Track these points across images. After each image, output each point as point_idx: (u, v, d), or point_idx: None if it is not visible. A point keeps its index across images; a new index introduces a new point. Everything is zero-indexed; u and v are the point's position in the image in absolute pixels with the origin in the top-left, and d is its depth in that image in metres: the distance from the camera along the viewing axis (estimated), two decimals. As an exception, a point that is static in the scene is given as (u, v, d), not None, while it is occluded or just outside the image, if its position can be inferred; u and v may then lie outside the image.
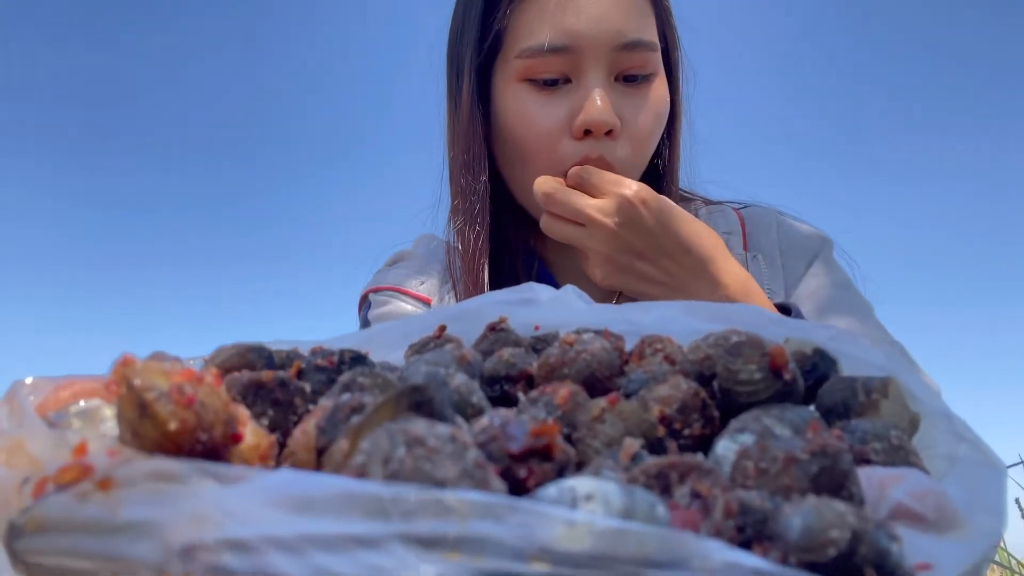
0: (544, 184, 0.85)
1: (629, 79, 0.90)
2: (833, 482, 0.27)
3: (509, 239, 0.99)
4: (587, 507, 0.22)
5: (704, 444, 0.33)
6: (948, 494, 0.28)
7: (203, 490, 0.20)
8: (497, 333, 0.42)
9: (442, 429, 0.23)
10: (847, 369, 0.39)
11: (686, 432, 0.34)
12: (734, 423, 0.33)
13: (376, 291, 1.01)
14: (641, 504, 0.22)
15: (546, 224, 0.86)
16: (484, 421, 0.26)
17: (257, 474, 0.21)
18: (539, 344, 0.43)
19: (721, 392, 0.35)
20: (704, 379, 0.36)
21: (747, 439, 0.31)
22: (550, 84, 0.89)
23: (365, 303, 1.03)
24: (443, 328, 0.43)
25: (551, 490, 0.22)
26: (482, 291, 0.93)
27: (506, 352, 0.38)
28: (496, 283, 0.96)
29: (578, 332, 0.39)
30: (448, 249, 1.01)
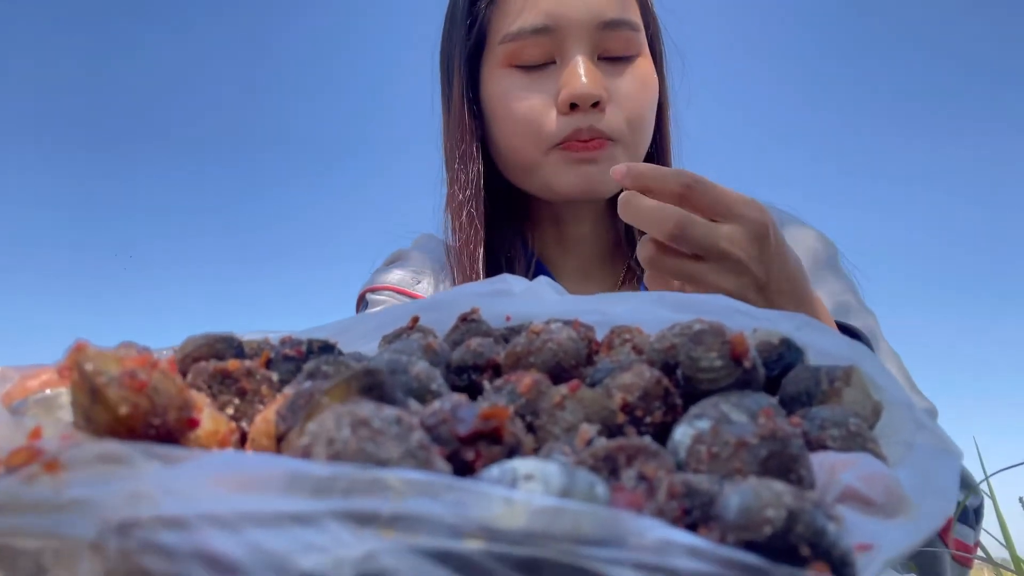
0: (668, 220, 0.65)
1: (613, 60, 0.91)
2: (782, 466, 0.28)
3: (506, 237, 1.00)
4: (526, 486, 0.22)
5: (666, 432, 0.34)
6: (898, 479, 0.29)
7: (146, 470, 0.21)
8: (468, 323, 0.42)
9: (388, 411, 0.23)
10: (814, 359, 0.40)
11: (647, 420, 0.34)
12: (693, 409, 0.33)
13: (374, 290, 1.02)
14: (580, 484, 0.23)
15: (652, 257, 0.68)
16: (436, 405, 0.26)
17: (202, 455, 0.22)
18: (509, 335, 0.43)
19: (684, 379, 0.36)
20: (669, 368, 0.37)
21: (703, 425, 0.32)
22: (535, 68, 0.90)
23: (363, 302, 1.04)
24: (416, 319, 0.43)
25: (493, 471, 0.23)
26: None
27: (474, 342, 0.39)
28: (487, 272, 0.96)
29: (548, 322, 0.40)
30: (446, 248, 1.01)
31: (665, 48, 1.01)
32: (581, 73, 0.86)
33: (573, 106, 0.87)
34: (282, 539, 0.19)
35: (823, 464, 0.30)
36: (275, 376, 0.35)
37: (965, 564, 0.80)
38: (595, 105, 0.87)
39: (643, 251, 0.69)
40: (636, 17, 0.93)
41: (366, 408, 0.23)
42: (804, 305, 0.72)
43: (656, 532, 0.21)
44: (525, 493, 0.21)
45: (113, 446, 0.22)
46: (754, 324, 0.40)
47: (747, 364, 0.34)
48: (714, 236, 0.66)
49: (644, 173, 0.67)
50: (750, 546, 0.23)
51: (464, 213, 0.95)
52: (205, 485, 0.20)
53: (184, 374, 0.35)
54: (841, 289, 0.96)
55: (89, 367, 0.24)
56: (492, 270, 0.97)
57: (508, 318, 0.43)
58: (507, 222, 1.00)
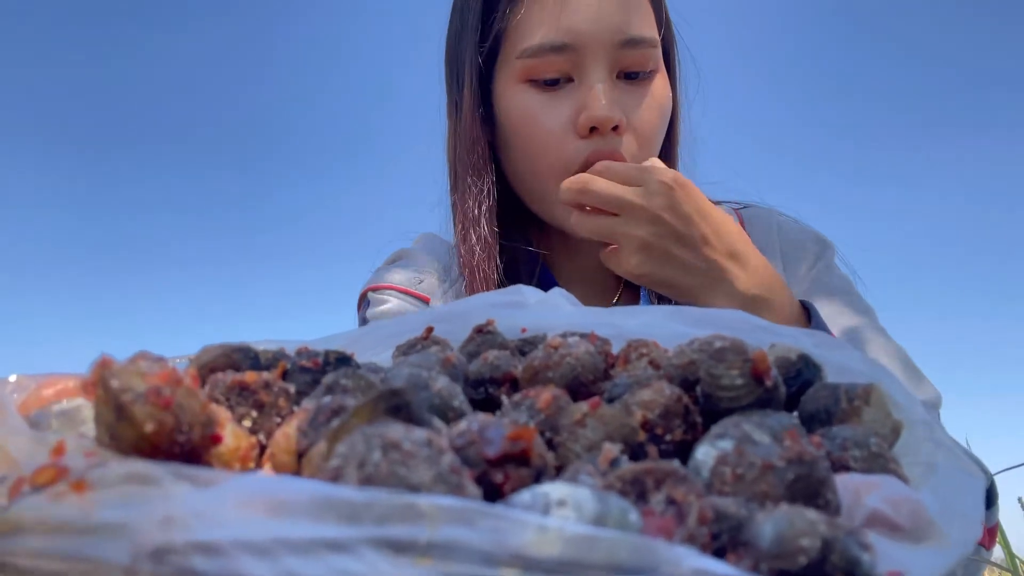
0: (574, 182, 0.80)
1: (631, 76, 0.90)
2: (809, 489, 0.28)
3: (514, 241, 0.99)
4: (559, 513, 0.22)
5: (686, 449, 0.34)
6: (923, 502, 0.28)
7: (176, 493, 0.21)
8: (484, 335, 0.42)
9: (418, 433, 0.23)
10: (832, 376, 0.39)
11: (668, 437, 0.34)
12: (714, 428, 0.33)
13: (375, 289, 1.01)
14: (614, 510, 0.22)
15: (577, 220, 0.81)
16: (462, 425, 0.26)
17: (231, 477, 0.21)
18: (525, 347, 0.43)
19: (703, 397, 0.35)
20: (688, 384, 0.37)
21: (726, 445, 0.31)
22: (552, 84, 0.89)
23: (364, 301, 1.04)
24: (430, 329, 0.43)
25: (525, 496, 0.23)
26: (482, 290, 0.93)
27: (491, 355, 0.38)
28: (503, 286, 0.95)
29: (564, 335, 0.39)
30: (449, 250, 1.01)
31: (680, 56, 1.01)
32: (601, 97, 0.86)
33: (592, 129, 0.87)
34: (317, 566, 0.19)
35: (847, 486, 0.29)
36: (292, 388, 0.35)
37: (987, 547, 0.80)
38: (614, 129, 0.87)
39: (571, 221, 0.81)
40: (654, 33, 0.92)
41: (396, 430, 0.23)
42: (739, 261, 0.79)
43: (691, 561, 0.21)
44: (559, 520, 0.21)
45: (141, 466, 0.22)
46: (772, 339, 0.40)
47: (768, 383, 0.34)
48: (618, 190, 0.78)
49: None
50: (784, 575, 0.22)
51: (481, 225, 0.94)
52: (237, 509, 0.20)
53: (201, 384, 0.35)
54: (833, 287, 0.96)
55: (115, 383, 0.23)
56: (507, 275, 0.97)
57: (524, 330, 0.43)
58: (514, 226, 1.00)
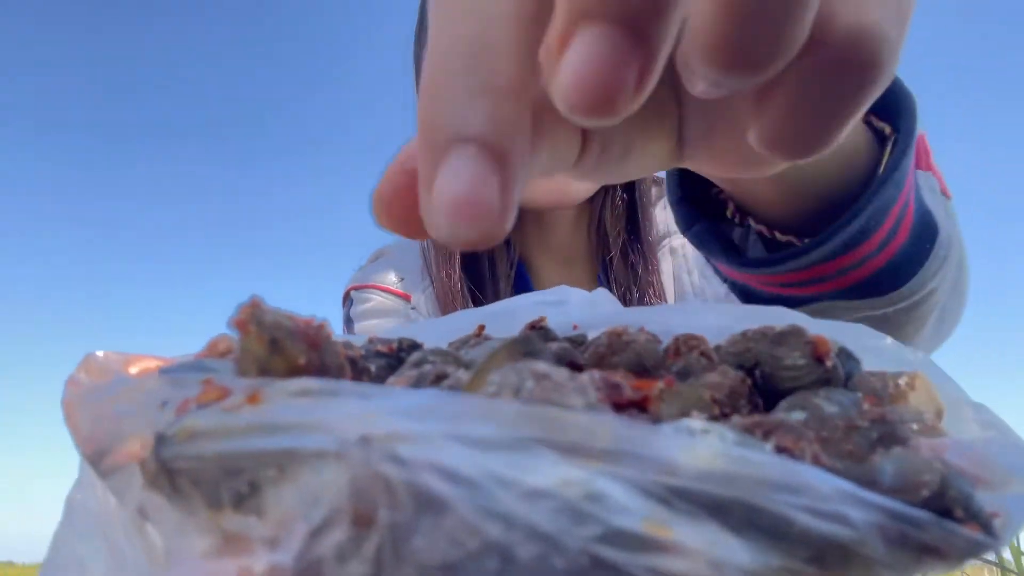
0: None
1: None
2: (893, 445, 0.29)
3: None
4: (705, 438, 0.23)
5: (752, 427, 0.35)
6: (997, 456, 0.30)
7: (356, 400, 0.21)
8: (537, 331, 0.43)
9: (561, 370, 0.24)
10: (874, 366, 0.41)
11: (734, 416, 0.35)
12: (783, 404, 0.34)
13: (357, 288, 1.04)
14: (752, 440, 0.24)
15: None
16: (584, 376, 0.27)
17: (399, 391, 0.22)
18: (573, 344, 0.44)
19: (763, 378, 0.37)
20: (744, 371, 0.38)
21: (800, 415, 0.33)
22: None
23: (348, 299, 1.07)
24: (482, 327, 0.44)
25: (666, 426, 0.24)
26: (456, 288, 0.96)
27: (553, 344, 0.40)
28: (473, 280, 0.98)
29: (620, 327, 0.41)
30: (422, 247, 1.04)
31: None
32: None
33: None
34: (504, 461, 0.20)
35: (922, 447, 0.31)
36: (373, 367, 0.35)
37: None
38: None
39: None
40: None
41: (543, 364, 0.24)
42: None
43: (832, 483, 0.23)
44: (714, 440, 0.23)
45: (308, 382, 0.23)
46: (812, 331, 0.42)
47: (828, 363, 0.36)
48: None
49: None
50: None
51: None
52: (419, 413, 0.21)
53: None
54: None
55: (269, 319, 0.24)
56: (473, 269, 0.99)
57: (575, 327, 0.45)
58: None
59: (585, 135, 0.34)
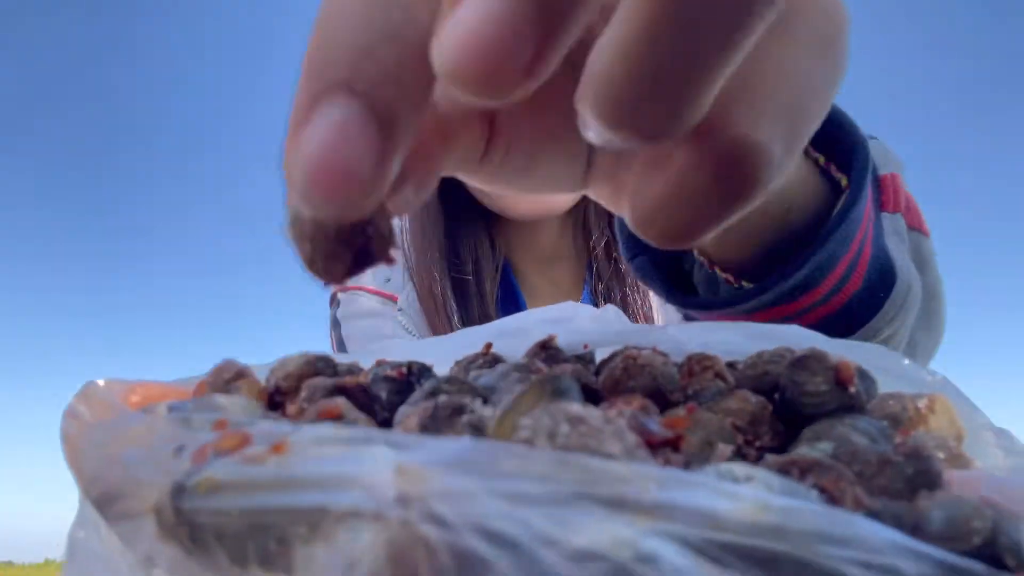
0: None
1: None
2: (929, 483, 0.29)
3: (474, 237, 1.03)
4: (750, 486, 0.22)
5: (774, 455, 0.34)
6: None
7: (386, 451, 0.20)
8: (548, 351, 0.42)
9: (595, 411, 0.23)
10: (891, 387, 0.41)
11: (757, 444, 0.35)
12: (807, 432, 0.34)
13: (344, 290, 1.05)
14: (798, 488, 0.23)
15: None
16: (613, 411, 0.26)
17: (429, 441, 0.21)
18: (582, 363, 0.43)
19: (783, 404, 0.36)
20: (763, 394, 0.37)
21: (826, 447, 0.32)
22: None
23: (335, 301, 1.08)
24: (489, 345, 0.43)
25: (709, 470, 0.23)
26: (437, 288, 0.96)
27: (567, 368, 0.39)
28: (457, 284, 0.99)
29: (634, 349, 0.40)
30: (403, 246, 1.05)
31: None
32: None
33: None
34: (546, 518, 0.19)
35: (955, 481, 0.30)
36: (383, 395, 0.34)
37: None
38: None
39: None
40: None
41: (575, 407, 0.23)
42: None
43: (883, 534, 0.22)
44: (759, 491, 0.22)
45: (336, 430, 0.21)
46: (830, 351, 0.41)
47: (852, 389, 0.35)
48: None
49: None
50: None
51: (418, 218, 0.97)
52: (456, 466, 0.20)
53: (292, 392, 0.34)
54: None
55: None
56: (457, 269, 0.99)
57: (586, 346, 0.44)
58: (474, 223, 1.03)
59: (491, 135, 0.33)
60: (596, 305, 0.99)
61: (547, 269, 1.06)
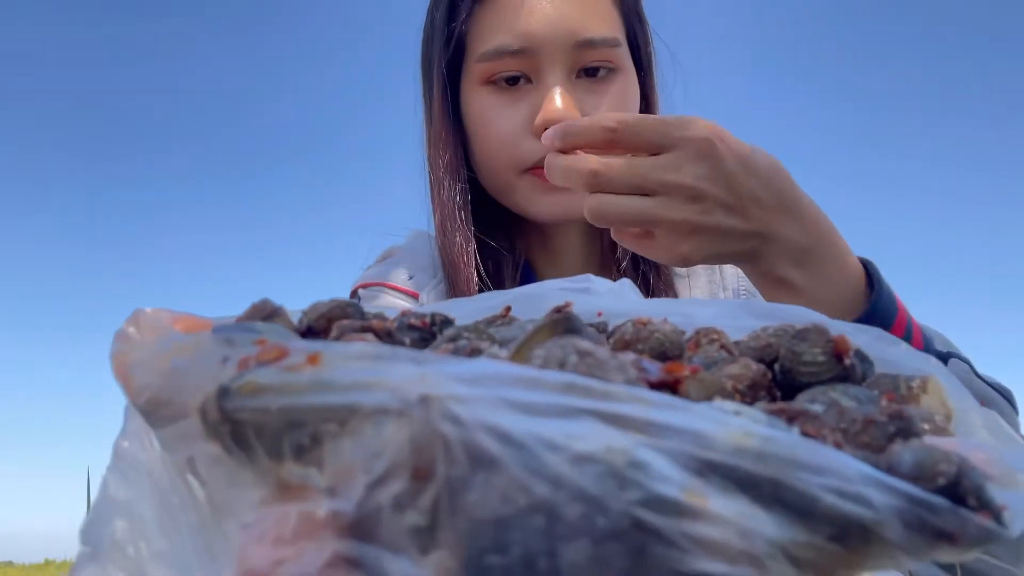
0: (578, 163, 0.65)
1: (590, 73, 0.93)
2: (908, 438, 0.31)
3: (495, 238, 1.02)
4: (739, 418, 0.24)
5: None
6: (1004, 456, 0.32)
7: (412, 364, 0.23)
8: (562, 316, 0.44)
9: (602, 348, 0.26)
10: (887, 370, 0.43)
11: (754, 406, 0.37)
12: (802, 396, 0.36)
13: (366, 286, 1.04)
14: (780, 423, 0.25)
15: (595, 208, 0.65)
16: (619, 356, 0.29)
17: (452, 359, 0.24)
18: (596, 330, 0.45)
19: (782, 372, 0.38)
20: (764, 365, 0.39)
21: (818, 408, 0.34)
22: (511, 83, 0.93)
23: (355, 297, 1.06)
24: (508, 308, 0.45)
25: (703, 404, 0.25)
26: (472, 291, 0.96)
27: (580, 329, 0.41)
28: (481, 284, 0.98)
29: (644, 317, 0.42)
30: (435, 246, 1.03)
31: (657, 55, 1.05)
32: (556, 97, 0.89)
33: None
34: (552, 426, 0.21)
35: (934, 443, 0.32)
36: (407, 340, 0.37)
37: None
38: None
39: (585, 208, 0.66)
40: (615, 32, 0.95)
41: (585, 342, 0.25)
42: (791, 214, 0.67)
43: (856, 466, 0.24)
44: (747, 421, 0.24)
45: (367, 346, 0.24)
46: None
47: (847, 362, 0.37)
48: (647, 167, 0.63)
49: (568, 131, 0.67)
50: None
51: (456, 221, 0.99)
52: (473, 379, 0.22)
53: (323, 332, 0.37)
54: None
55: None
56: (481, 270, 0.99)
57: (599, 314, 0.46)
58: (495, 226, 1.03)
59: None
60: None
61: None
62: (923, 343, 0.73)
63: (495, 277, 1.00)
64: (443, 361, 0.23)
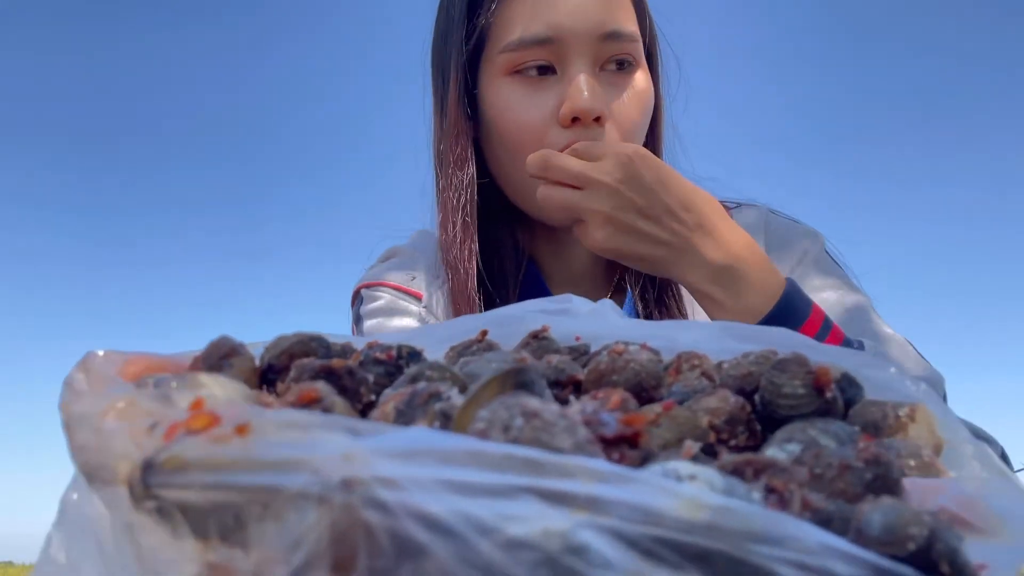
0: (537, 156, 0.83)
1: (615, 64, 0.93)
2: (886, 489, 0.29)
3: (499, 238, 1.01)
4: (692, 485, 0.23)
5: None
6: (988, 503, 0.30)
7: (342, 438, 0.21)
8: (540, 340, 0.43)
9: (551, 406, 0.24)
10: (875, 395, 0.41)
11: (732, 443, 0.35)
12: (780, 433, 0.34)
13: (368, 286, 1.03)
14: (739, 488, 0.24)
15: (543, 194, 0.83)
16: (576, 407, 0.27)
17: (388, 429, 0.22)
18: (575, 354, 0.44)
19: (762, 405, 0.37)
20: (745, 394, 0.38)
21: (794, 448, 0.33)
22: (539, 72, 0.92)
23: (358, 298, 1.06)
24: (485, 332, 0.44)
25: (656, 469, 0.24)
26: (471, 288, 0.96)
27: (554, 358, 0.40)
28: (485, 282, 0.97)
29: (624, 344, 0.41)
30: (439, 245, 1.03)
31: (662, 53, 1.05)
32: (584, 88, 0.89)
33: (574, 119, 0.89)
34: (486, 508, 0.20)
35: (915, 488, 0.31)
36: (370, 377, 0.36)
37: None
38: (596, 120, 0.89)
39: (537, 193, 0.83)
40: (635, 27, 0.95)
41: (533, 401, 0.24)
42: (709, 232, 0.79)
43: (817, 536, 0.23)
44: (698, 489, 0.22)
45: (298, 414, 0.23)
46: (816, 358, 0.42)
47: (829, 395, 0.36)
48: (577, 164, 0.80)
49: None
50: (893, 560, 0.24)
51: (459, 216, 0.98)
52: (405, 455, 0.21)
53: (284, 370, 0.36)
54: (822, 284, 0.98)
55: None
56: (484, 269, 0.98)
57: (578, 338, 0.44)
58: (500, 222, 1.02)
59: None
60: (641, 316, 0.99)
61: (578, 283, 1.03)
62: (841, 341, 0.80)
63: (498, 275, 0.99)
64: (376, 433, 0.22)
